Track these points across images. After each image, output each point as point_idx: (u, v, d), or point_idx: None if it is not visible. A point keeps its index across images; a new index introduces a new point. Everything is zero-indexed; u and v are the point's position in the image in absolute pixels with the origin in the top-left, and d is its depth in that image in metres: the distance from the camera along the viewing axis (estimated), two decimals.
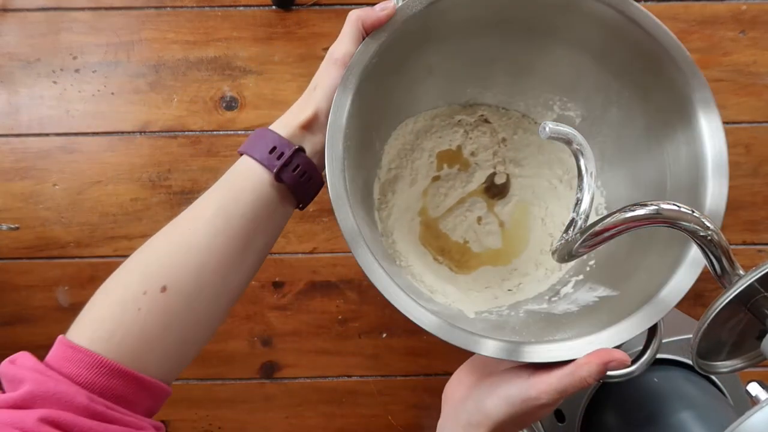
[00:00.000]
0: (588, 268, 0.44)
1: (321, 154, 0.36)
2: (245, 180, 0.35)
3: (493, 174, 0.49)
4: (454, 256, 0.48)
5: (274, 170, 0.35)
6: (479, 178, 0.49)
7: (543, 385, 0.32)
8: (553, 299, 0.43)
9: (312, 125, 0.36)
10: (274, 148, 0.35)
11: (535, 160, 0.48)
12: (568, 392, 0.32)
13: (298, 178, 0.36)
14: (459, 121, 0.48)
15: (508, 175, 0.49)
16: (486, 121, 0.48)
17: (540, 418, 0.35)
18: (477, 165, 0.49)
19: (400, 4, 0.36)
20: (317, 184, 0.38)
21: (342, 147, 0.35)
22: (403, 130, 0.47)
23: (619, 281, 0.40)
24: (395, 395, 0.62)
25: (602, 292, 0.40)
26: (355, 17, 0.35)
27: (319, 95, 0.36)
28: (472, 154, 0.49)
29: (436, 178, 0.48)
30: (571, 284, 0.44)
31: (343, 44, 0.35)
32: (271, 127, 0.36)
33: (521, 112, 0.48)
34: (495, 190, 0.49)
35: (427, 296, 0.43)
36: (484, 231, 0.49)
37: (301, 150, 0.36)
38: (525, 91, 0.46)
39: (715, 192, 0.37)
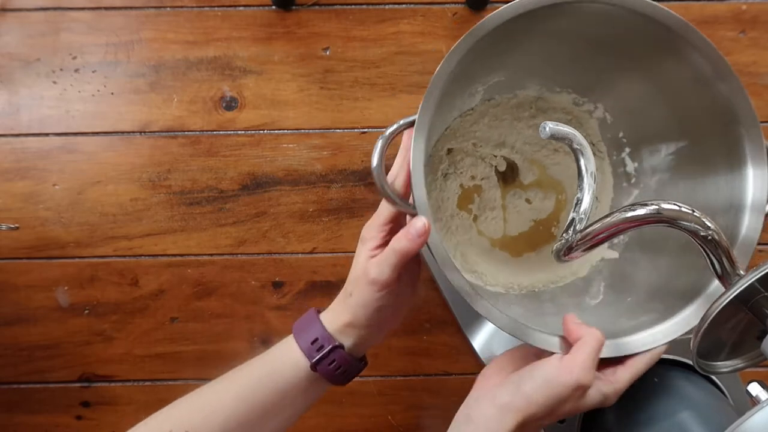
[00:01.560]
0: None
1: (362, 345, 0.41)
2: (284, 361, 0.40)
3: (495, 168, 0.52)
4: (540, 240, 0.52)
5: (312, 360, 0.39)
6: (494, 183, 0.52)
7: (576, 362, 0.34)
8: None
9: (350, 327, 0.40)
10: (317, 339, 0.39)
11: (503, 126, 0.51)
12: (594, 367, 0.34)
13: (333, 372, 0.40)
14: (444, 174, 0.51)
15: (503, 158, 0.52)
16: (449, 150, 0.51)
17: (578, 410, 0.35)
18: (484, 179, 0.52)
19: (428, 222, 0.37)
20: (354, 374, 0.42)
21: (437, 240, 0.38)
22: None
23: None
24: (395, 395, 0.62)
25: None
26: (400, 250, 0.37)
27: (353, 304, 0.39)
28: (473, 178, 0.52)
29: (475, 218, 0.52)
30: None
31: (383, 268, 0.37)
32: (321, 316, 0.41)
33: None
34: (508, 176, 0.52)
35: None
36: (538, 201, 0.52)
37: (340, 347, 0.39)
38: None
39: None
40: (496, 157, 0.51)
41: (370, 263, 0.38)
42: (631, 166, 0.49)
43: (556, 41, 0.43)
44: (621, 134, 0.49)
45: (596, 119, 0.50)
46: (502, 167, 0.52)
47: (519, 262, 0.52)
